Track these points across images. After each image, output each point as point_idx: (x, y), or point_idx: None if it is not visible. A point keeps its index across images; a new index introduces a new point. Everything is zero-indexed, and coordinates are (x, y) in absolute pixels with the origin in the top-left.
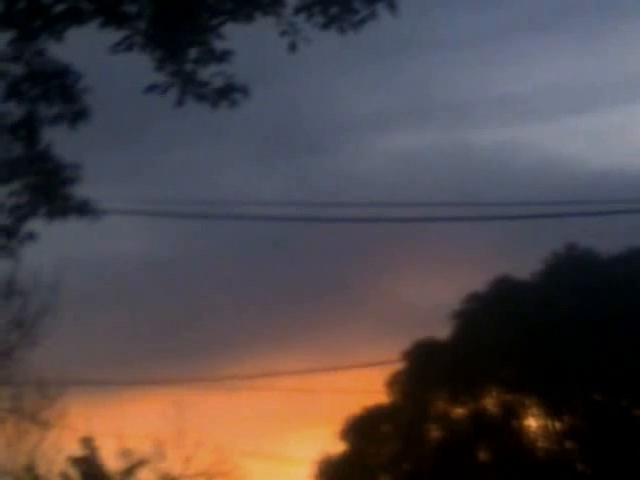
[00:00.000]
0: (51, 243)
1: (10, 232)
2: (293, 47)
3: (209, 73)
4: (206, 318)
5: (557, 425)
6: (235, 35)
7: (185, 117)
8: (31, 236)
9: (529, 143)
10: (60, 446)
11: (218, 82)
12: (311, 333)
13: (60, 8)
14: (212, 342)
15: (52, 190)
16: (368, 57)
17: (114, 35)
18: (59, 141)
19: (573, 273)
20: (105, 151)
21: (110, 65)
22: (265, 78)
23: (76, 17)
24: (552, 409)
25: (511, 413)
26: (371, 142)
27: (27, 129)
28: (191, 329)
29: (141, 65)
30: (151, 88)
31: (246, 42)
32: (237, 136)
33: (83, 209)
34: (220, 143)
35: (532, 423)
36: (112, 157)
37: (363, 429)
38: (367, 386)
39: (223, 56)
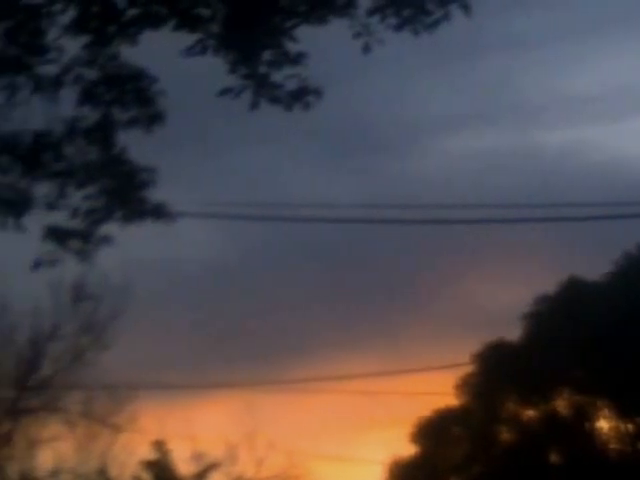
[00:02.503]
0: (120, 246)
1: (85, 236)
2: (366, 49)
3: (283, 76)
4: (275, 320)
5: (629, 427)
6: (309, 37)
7: (256, 119)
8: (106, 240)
9: (597, 144)
10: (132, 450)
11: (292, 85)
12: (380, 336)
13: (133, 12)
14: (282, 345)
15: (127, 193)
16: (439, 58)
17: (187, 38)
18: (134, 145)
19: None
20: (178, 154)
21: (184, 68)
22: (336, 80)
23: (149, 20)
24: (624, 410)
25: (582, 415)
26: (440, 143)
27: (102, 133)
28: (261, 331)
29: (215, 68)
30: (224, 91)
31: (320, 44)
32: (306, 138)
33: (158, 212)
34: (289, 145)
35: (604, 425)
36: (185, 160)
37: (433, 431)
38: (437, 388)
39: (297, 58)
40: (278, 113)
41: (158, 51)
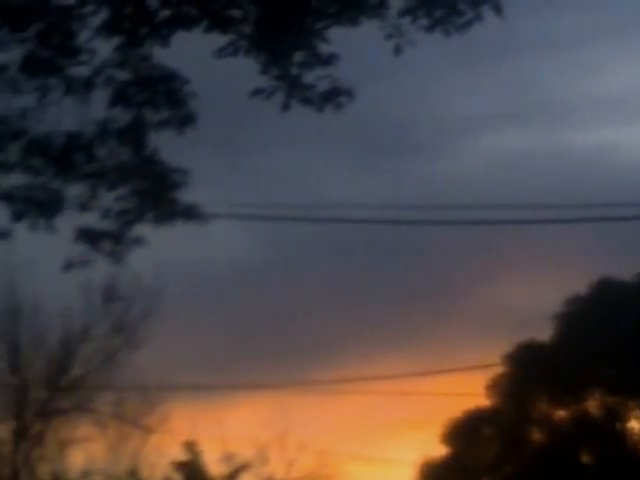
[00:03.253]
0: (151, 247)
1: (117, 237)
2: (398, 50)
3: (314, 77)
4: (306, 321)
5: None
6: (340, 38)
7: (287, 119)
8: (138, 241)
9: (627, 144)
10: (163, 451)
11: (323, 86)
12: (411, 336)
13: (165, 13)
14: (312, 345)
15: (159, 195)
16: (469, 58)
17: (219, 39)
18: (166, 146)
19: None
20: (209, 155)
21: (215, 69)
22: (367, 80)
23: (181, 22)
24: None
25: (614, 415)
26: (470, 144)
27: (134, 134)
28: (291, 332)
29: (246, 69)
30: (256, 92)
31: (350, 45)
32: (337, 138)
33: (190, 214)
34: (320, 145)
35: (635, 425)
36: (215, 161)
37: (464, 432)
38: (468, 389)
39: (329, 59)
40: (309, 114)
41: (190, 52)
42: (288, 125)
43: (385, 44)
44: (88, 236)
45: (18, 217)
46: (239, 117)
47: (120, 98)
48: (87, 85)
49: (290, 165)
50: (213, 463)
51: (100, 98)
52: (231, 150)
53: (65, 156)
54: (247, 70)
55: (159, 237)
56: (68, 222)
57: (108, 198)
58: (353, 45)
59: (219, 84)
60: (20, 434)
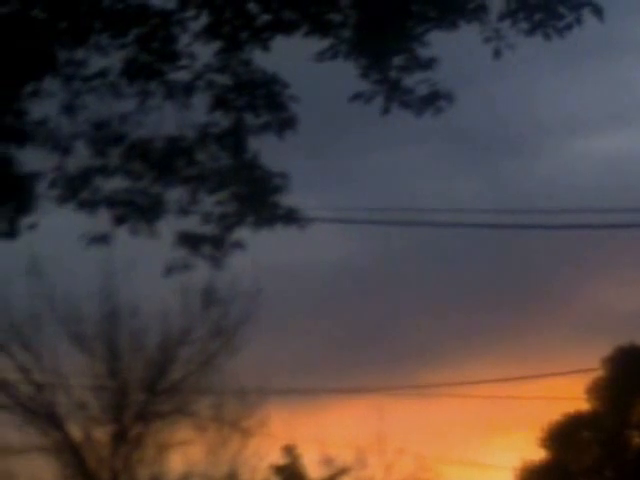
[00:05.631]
0: (250, 251)
1: (217, 241)
2: (498, 54)
3: (414, 81)
4: (403, 325)
5: None
6: (440, 41)
7: (386, 121)
8: (238, 245)
9: None
10: (262, 454)
11: (423, 89)
12: (510, 340)
13: (265, 18)
14: (411, 349)
15: (259, 199)
16: (570, 59)
17: (319, 43)
18: (266, 150)
19: None
20: (308, 159)
21: (315, 73)
22: (467, 82)
23: (281, 26)
24: None
25: None
26: (570, 145)
27: (234, 138)
28: (389, 336)
29: (346, 73)
30: (356, 96)
31: (449, 48)
32: (439, 140)
33: (290, 218)
34: (421, 148)
35: None
36: (316, 165)
37: (563, 436)
38: (567, 393)
39: (428, 63)
40: (409, 117)
41: (289, 56)
42: (387, 127)
43: (484, 46)
44: (188, 240)
45: (119, 221)
46: (342, 121)
47: (220, 102)
48: (187, 89)
49: (393, 168)
50: (312, 466)
51: (200, 102)
52: (331, 153)
53: (166, 160)
54: (346, 74)
55: (257, 240)
56: (168, 226)
57: (208, 202)
58: (452, 47)
59: (318, 88)
60: (119, 437)
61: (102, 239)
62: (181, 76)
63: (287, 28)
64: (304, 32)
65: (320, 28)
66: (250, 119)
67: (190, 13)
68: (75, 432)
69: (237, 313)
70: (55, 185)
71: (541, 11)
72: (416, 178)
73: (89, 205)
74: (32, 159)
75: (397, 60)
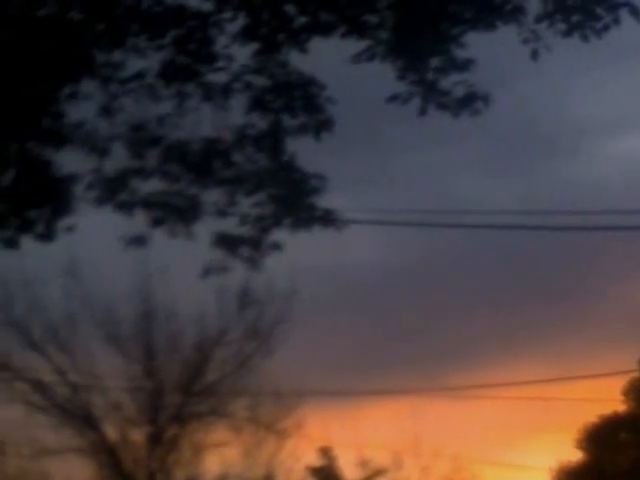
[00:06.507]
0: (287, 252)
1: (254, 243)
2: (535, 55)
3: (451, 82)
4: (438, 326)
5: None
6: (476, 42)
7: (422, 123)
8: (275, 246)
9: None
10: (297, 456)
11: (460, 91)
12: (546, 341)
13: (303, 20)
14: (446, 351)
15: (296, 200)
16: (607, 59)
17: (356, 45)
18: (303, 151)
19: None
20: (346, 160)
21: (352, 75)
22: (503, 82)
23: (318, 28)
24: None
25: None
26: (607, 146)
27: (271, 140)
28: (425, 338)
29: (383, 74)
30: (393, 98)
31: (485, 49)
32: (474, 141)
33: (327, 219)
34: (457, 149)
35: None
36: (353, 166)
37: (600, 437)
38: (604, 394)
39: (465, 65)
40: (444, 117)
41: (326, 58)
42: (423, 129)
43: (520, 46)
44: (226, 242)
45: (156, 223)
46: (374, 121)
47: (257, 104)
48: (225, 91)
49: (428, 169)
50: (348, 468)
51: (238, 104)
52: (367, 155)
53: (203, 162)
54: (383, 75)
55: (293, 241)
56: (205, 227)
57: (245, 204)
58: (488, 47)
59: (355, 89)
60: (155, 438)
61: (139, 241)
62: (218, 78)
63: (324, 30)
64: (341, 34)
65: (357, 30)
66: (287, 121)
67: (227, 15)
68: (111, 433)
69: (273, 314)
70: (92, 187)
71: (578, 12)
72: (451, 179)
73: (126, 207)
74: (70, 161)
75: (434, 61)
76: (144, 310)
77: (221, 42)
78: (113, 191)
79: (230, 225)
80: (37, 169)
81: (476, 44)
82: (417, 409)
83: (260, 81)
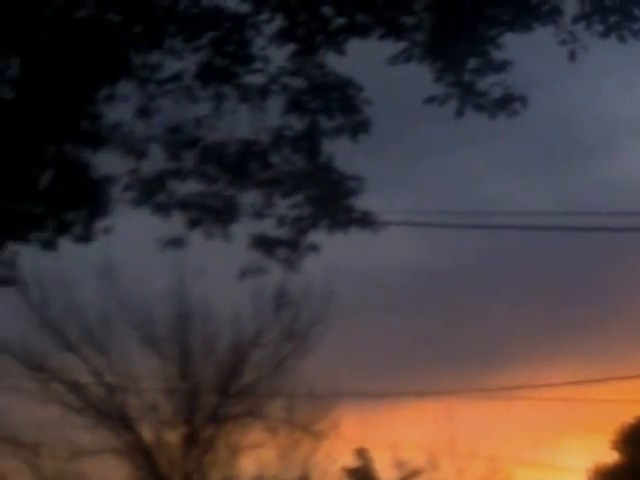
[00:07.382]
0: (323, 253)
1: (291, 244)
2: (572, 56)
3: (488, 83)
4: (475, 327)
5: None
6: (513, 44)
7: (459, 124)
8: (312, 248)
9: None
10: (333, 457)
11: (497, 92)
12: (580, 342)
13: (340, 21)
14: (482, 352)
15: (333, 202)
16: None
17: (393, 46)
18: (340, 153)
19: None
20: (378, 162)
21: (389, 76)
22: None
23: (356, 29)
24: None
25: None
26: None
27: (308, 142)
28: (460, 339)
29: (420, 76)
30: (430, 100)
31: (522, 50)
32: (509, 142)
33: (364, 221)
34: (492, 150)
35: None
36: (389, 168)
37: (636, 438)
38: (638, 395)
39: (502, 66)
40: (480, 119)
41: (363, 59)
42: (459, 130)
43: (557, 46)
44: (263, 243)
45: (193, 224)
46: (411, 123)
47: (295, 106)
48: (262, 93)
49: (463, 170)
50: (384, 469)
51: (275, 106)
52: (403, 156)
53: (240, 164)
54: (420, 77)
55: (330, 243)
56: (242, 229)
57: (283, 205)
58: (524, 48)
59: (392, 91)
60: (191, 439)
61: (176, 242)
62: (255, 79)
63: (361, 31)
64: (378, 35)
65: (394, 31)
66: (324, 122)
67: (264, 16)
68: (147, 434)
69: (309, 316)
70: (130, 188)
71: (616, 13)
72: (487, 180)
73: (163, 208)
74: (107, 163)
75: (471, 63)
76: (180, 311)
77: (258, 44)
78: (150, 193)
79: (267, 227)
80: (75, 171)
81: (513, 45)
82: (452, 410)
83: (297, 83)
